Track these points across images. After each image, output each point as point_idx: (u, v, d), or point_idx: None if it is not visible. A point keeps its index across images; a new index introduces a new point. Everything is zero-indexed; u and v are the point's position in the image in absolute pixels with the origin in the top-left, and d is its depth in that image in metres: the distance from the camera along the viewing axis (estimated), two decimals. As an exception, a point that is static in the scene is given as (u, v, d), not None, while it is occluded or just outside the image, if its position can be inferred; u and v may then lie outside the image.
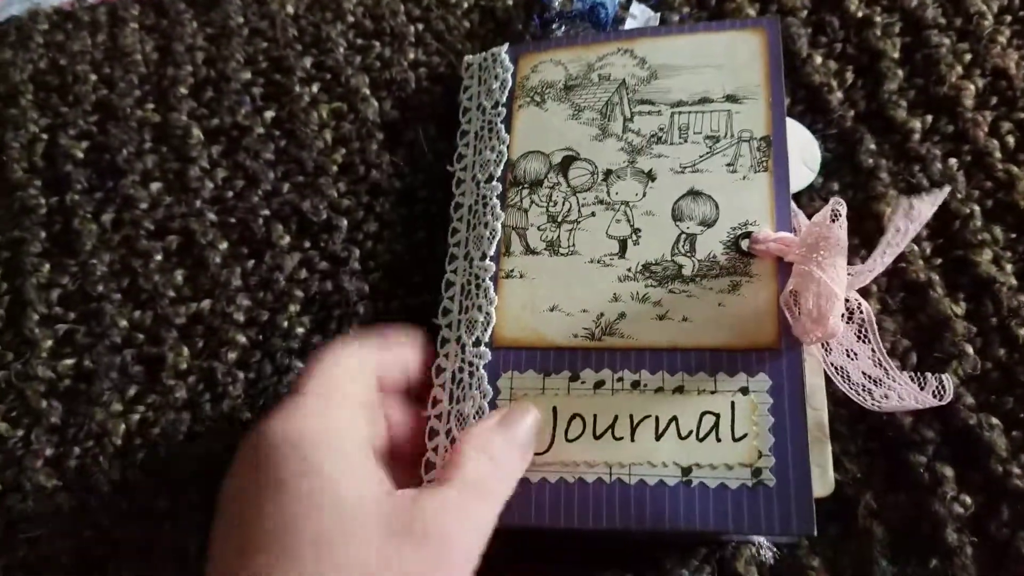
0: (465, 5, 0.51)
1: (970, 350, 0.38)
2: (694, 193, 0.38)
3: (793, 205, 0.39)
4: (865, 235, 0.41)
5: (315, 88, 0.49)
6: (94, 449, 0.41)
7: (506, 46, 0.44)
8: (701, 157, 0.39)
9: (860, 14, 0.47)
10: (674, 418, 0.34)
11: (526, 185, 0.40)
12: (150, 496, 0.39)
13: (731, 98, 0.40)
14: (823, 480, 0.35)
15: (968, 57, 0.45)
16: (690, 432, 0.34)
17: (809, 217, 0.39)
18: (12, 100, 0.51)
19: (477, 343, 0.37)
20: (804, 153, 0.42)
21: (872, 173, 0.43)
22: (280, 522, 0.27)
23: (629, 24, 0.47)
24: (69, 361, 0.43)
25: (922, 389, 0.35)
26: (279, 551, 0.27)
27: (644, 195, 0.38)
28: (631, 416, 0.34)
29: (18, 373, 0.43)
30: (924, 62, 0.45)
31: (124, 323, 0.43)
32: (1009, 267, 0.40)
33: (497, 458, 0.32)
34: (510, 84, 0.42)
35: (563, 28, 0.46)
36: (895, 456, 0.37)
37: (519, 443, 0.34)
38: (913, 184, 0.42)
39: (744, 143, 0.39)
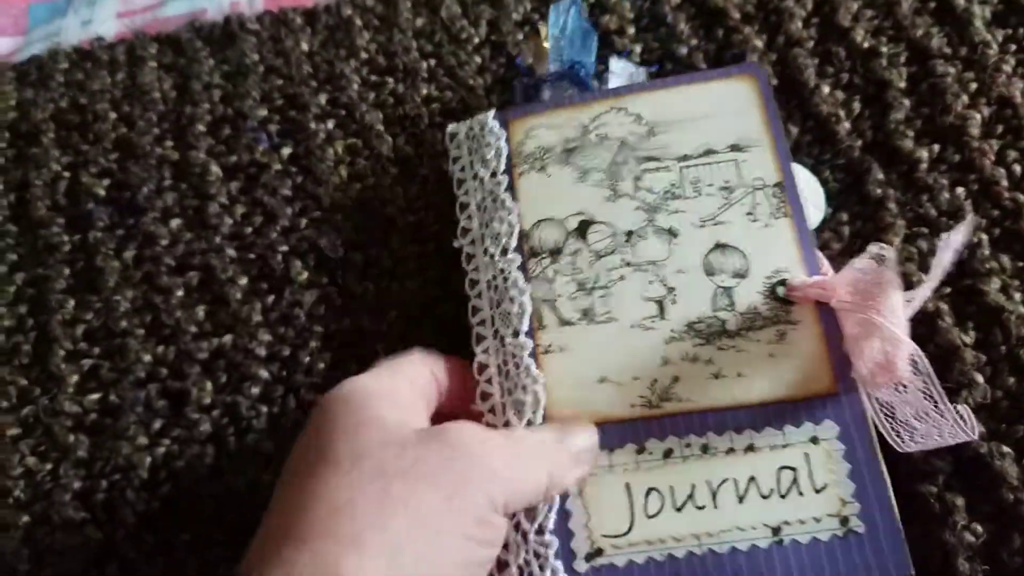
0: (476, 41, 0.52)
1: (980, 379, 0.38)
2: (721, 246, 0.38)
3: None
4: (874, 264, 0.42)
5: (330, 124, 0.50)
6: (120, 482, 0.42)
7: (492, 112, 0.43)
8: (720, 209, 0.38)
9: (866, 44, 0.48)
10: (752, 478, 0.34)
11: (546, 254, 0.39)
12: (175, 529, 0.40)
13: (735, 147, 0.39)
14: None
15: (973, 86, 0.46)
16: (771, 490, 0.34)
17: (823, 252, 0.39)
18: (35, 139, 0.52)
19: (529, 426, 0.35)
20: (809, 192, 0.42)
21: (880, 203, 0.43)
22: (328, 446, 0.30)
23: (613, 81, 0.47)
24: (95, 396, 0.44)
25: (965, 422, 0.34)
26: (323, 466, 0.29)
27: (670, 253, 0.38)
28: (708, 482, 0.34)
29: (45, 408, 0.43)
30: (930, 91, 0.46)
31: (148, 358, 0.44)
32: (1017, 295, 0.40)
33: (547, 443, 0.33)
34: (506, 151, 0.41)
35: (546, 93, 0.46)
36: (906, 486, 0.37)
37: (572, 448, 0.34)
38: (921, 214, 0.43)
39: (759, 191, 0.39)
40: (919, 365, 0.34)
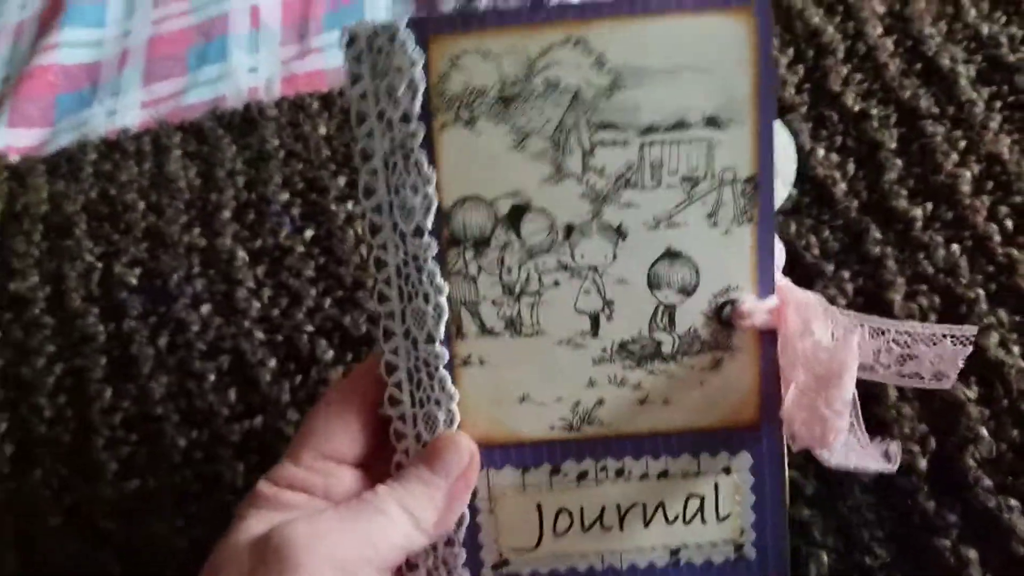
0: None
1: (985, 433, 0.40)
2: (671, 255, 0.33)
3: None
4: (877, 322, 0.44)
5: (350, 206, 0.52)
6: (157, 567, 0.43)
7: (405, 19, 0.31)
8: (678, 207, 0.32)
9: (857, 107, 0.50)
10: (661, 503, 0.34)
11: (469, 244, 0.33)
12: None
13: (712, 121, 0.32)
14: None
15: (963, 144, 0.48)
16: (677, 516, 0.34)
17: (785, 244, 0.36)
18: (67, 231, 0.55)
19: None
20: (778, 161, 0.34)
21: (879, 262, 0.45)
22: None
23: None
24: (134, 482, 0.45)
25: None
26: None
27: (614, 257, 0.33)
28: (618, 506, 0.34)
29: (86, 497, 0.45)
30: (921, 151, 0.48)
31: (183, 442, 0.46)
32: (1016, 349, 0.41)
33: (398, 493, 0.31)
34: (423, 86, 0.31)
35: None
36: (921, 540, 0.38)
37: (439, 486, 0.32)
38: (919, 272, 0.44)
39: (726, 187, 0.32)
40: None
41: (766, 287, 0.33)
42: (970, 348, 0.31)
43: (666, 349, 0.33)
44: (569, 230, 0.33)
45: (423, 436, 0.33)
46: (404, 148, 0.32)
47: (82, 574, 0.44)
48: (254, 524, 0.31)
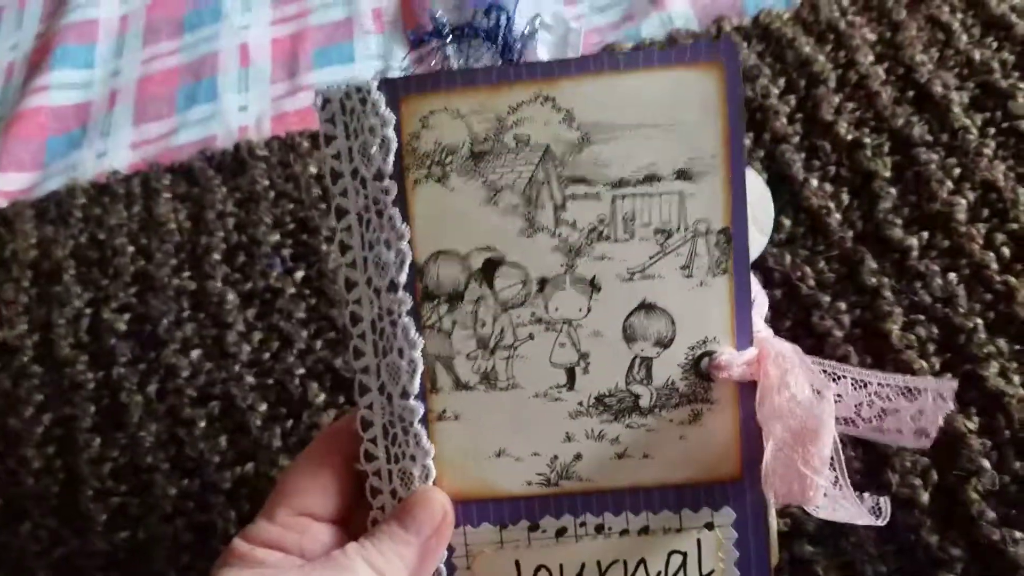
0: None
1: (987, 465, 0.39)
2: (647, 307, 0.33)
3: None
4: (874, 352, 0.43)
5: (339, 245, 0.52)
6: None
7: (377, 79, 0.32)
8: (651, 259, 0.32)
9: (850, 137, 0.50)
10: (642, 560, 0.33)
11: (443, 299, 0.33)
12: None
13: (683, 174, 0.32)
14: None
15: (957, 172, 0.47)
16: (659, 573, 0.34)
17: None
18: (56, 277, 0.54)
19: None
20: (756, 209, 0.35)
21: (876, 292, 0.44)
22: None
23: (543, 42, 0.35)
24: (124, 534, 0.45)
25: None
26: None
27: (589, 310, 0.33)
28: (599, 563, 0.34)
29: (75, 550, 0.44)
30: (915, 179, 0.48)
31: (174, 491, 0.45)
32: (1016, 378, 0.41)
33: (365, 554, 0.31)
34: (395, 145, 0.32)
35: (447, 56, 0.34)
36: (925, 575, 0.38)
37: (409, 546, 0.32)
38: (916, 302, 0.44)
39: (700, 238, 0.32)
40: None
41: (744, 338, 0.32)
42: (950, 406, 0.31)
43: (644, 403, 0.33)
44: (543, 283, 0.33)
45: (399, 492, 0.33)
46: (378, 205, 0.32)
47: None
48: None
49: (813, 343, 0.44)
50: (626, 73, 0.32)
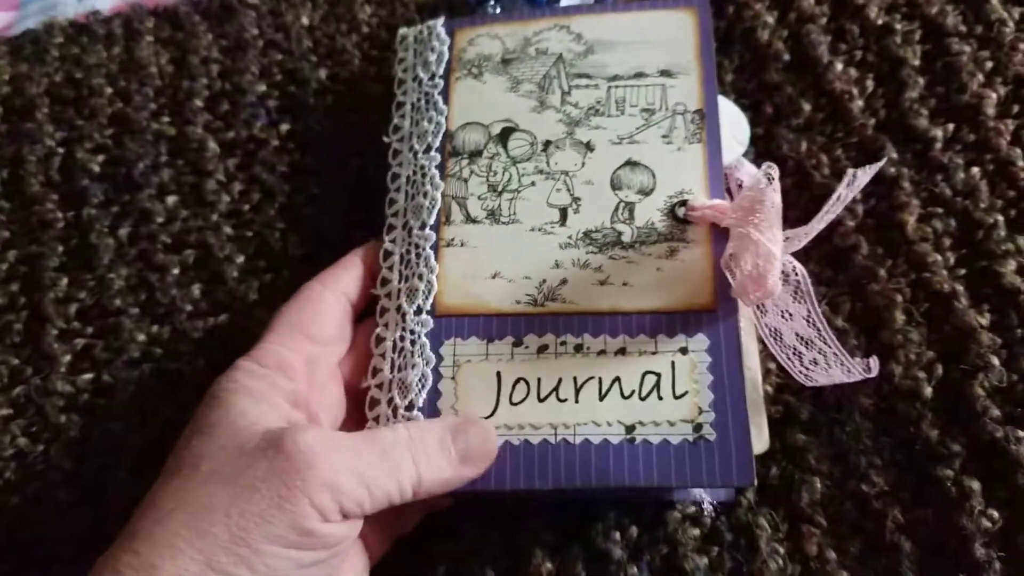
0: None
1: (996, 361, 0.37)
2: (632, 163, 0.39)
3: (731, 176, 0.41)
4: (888, 245, 0.41)
5: (330, 100, 0.49)
6: (110, 463, 0.41)
7: (442, 19, 0.44)
8: (638, 129, 0.40)
9: (880, 21, 0.47)
10: (617, 379, 0.35)
11: (465, 156, 0.40)
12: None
13: (665, 73, 0.41)
14: (759, 438, 0.36)
15: (989, 65, 0.45)
16: (632, 392, 0.35)
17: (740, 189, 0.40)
18: (28, 114, 0.51)
19: (419, 311, 0.37)
20: (734, 127, 0.43)
21: (895, 182, 0.42)
22: (182, 448, 0.31)
23: (564, 2, 0.47)
24: (88, 376, 0.43)
25: (852, 356, 0.36)
26: (171, 467, 0.31)
27: (583, 165, 0.39)
28: (575, 378, 0.35)
29: (37, 388, 0.42)
30: (945, 70, 0.45)
31: (142, 337, 0.43)
32: (1034, 277, 0.39)
33: (417, 441, 0.32)
34: (447, 57, 0.43)
35: (497, 8, 0.47)
36: (922, 470, 0.36)
37: (455, 448, 0.33)
38: (935, 194, 0.42)
39: (679, 116, 0.40)
40: (801, 286, 0.36)
41: (716, 192, 0.38)
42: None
43: (626, 238, 0.38)
44: (547, 144, 0.40)
45: (404, 308, 0.37)
46: (428, 96, 0.43)
47: (31, 471, 0.41)
48: (249, 407, 0.32)
49: (823, 233, 0.42)
50: (624, 12, 0.43)
